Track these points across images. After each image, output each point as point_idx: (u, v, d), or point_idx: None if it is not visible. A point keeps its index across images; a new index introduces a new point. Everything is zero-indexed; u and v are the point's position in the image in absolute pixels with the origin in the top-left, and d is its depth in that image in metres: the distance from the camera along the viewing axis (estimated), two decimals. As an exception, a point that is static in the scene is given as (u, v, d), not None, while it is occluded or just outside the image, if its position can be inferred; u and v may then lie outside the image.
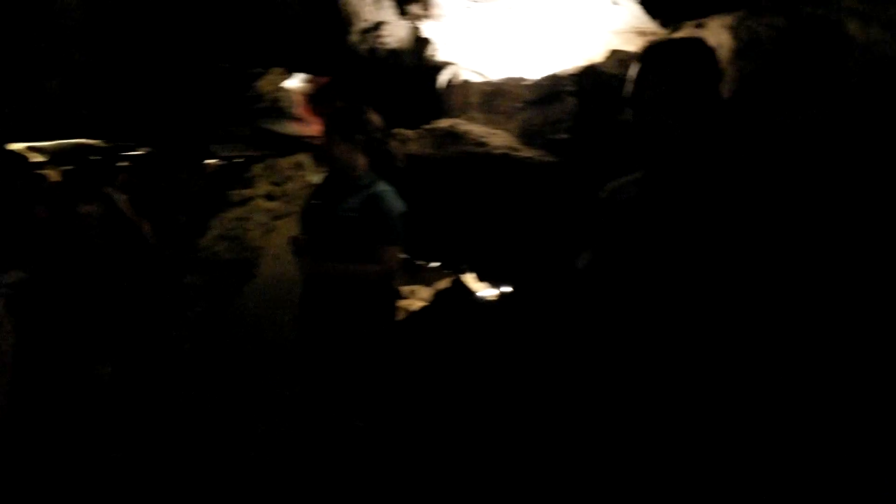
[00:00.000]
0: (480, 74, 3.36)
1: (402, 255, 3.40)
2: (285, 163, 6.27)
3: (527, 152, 2.82)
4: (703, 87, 1.56)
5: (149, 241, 5.07)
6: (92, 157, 8.21)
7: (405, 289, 4.50)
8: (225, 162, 7.46)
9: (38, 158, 7.88)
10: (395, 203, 2.66)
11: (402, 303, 4.42)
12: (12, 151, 4.97)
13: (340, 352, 2.69)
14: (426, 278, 4.50)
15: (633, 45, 2.89)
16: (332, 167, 2.74)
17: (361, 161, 2.72)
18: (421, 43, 3.60)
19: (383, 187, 2.68)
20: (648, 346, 1.55)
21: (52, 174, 7.51)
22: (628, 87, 1.62)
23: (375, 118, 2.68)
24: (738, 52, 2.58)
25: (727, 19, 2.59)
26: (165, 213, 5.74)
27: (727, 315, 1.47)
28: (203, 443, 3.21)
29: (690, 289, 1.50)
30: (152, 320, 4.50)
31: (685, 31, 2.70)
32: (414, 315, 3.84)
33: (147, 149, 7.41)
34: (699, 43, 1.66)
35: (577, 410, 1.87)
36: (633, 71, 1.61)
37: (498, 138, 2.91)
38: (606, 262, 1.68)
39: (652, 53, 1.63)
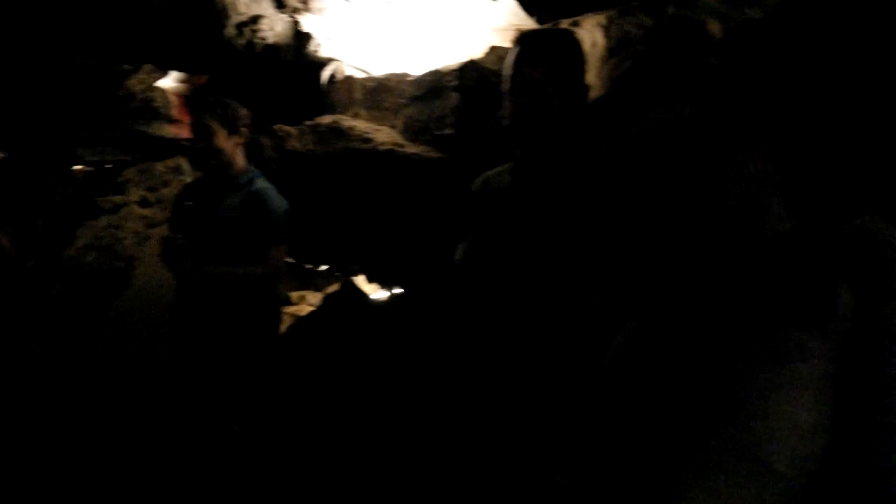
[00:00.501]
0: (363, 70, 3.29)
1: (289, 258, 3.29)
2: (161, 167, 5.91)
3: (412, 148, 2.77)
4: (570, 78, 1.57)
5: (7, 252, 4.60)
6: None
7: (294, 295, 4.34)
8: (93, 167, 6.95)
9: None
10: (279, 201, 2.56)
11: (291, 309, 4.26)
12: None
13: (220, 359, 2.55)
14: (316, 283, 4.37)
15: (512, 42, 2.93)
16: (209, 165, 2.59)
17: (241, 158, 2.62)
18: (301, 38, 3.48)
19: (264, 184, 2.58)
20: (522, 337, 1.52)
21: None
22: (505, 78, 1.61)
23: (246, 112, 2.59)
24: (611, 51, 2.67)
25: (600, 18, 2.67)
26: (27, 222, 5.22)
27: (592, 304, 1.47)
28: (66, 455, 2.93)
29: (557, 278, 1.49)
30: (13, 334, 4.09)
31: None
32: (302, 320, 3.70)
33: (5, 153, 6.77)
34: (567, 35, 1.68)
35: (465, 409, 1.83)
36: (508, 59, 1.61)
37: (383, 134, 2.85)
38: (481, 253, 1.66)
39: (525, 42, 1.62)
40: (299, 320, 3.72)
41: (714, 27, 2.49)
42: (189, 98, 6.41)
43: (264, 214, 2.52)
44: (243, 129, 2.58)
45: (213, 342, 2.55)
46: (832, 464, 0.73)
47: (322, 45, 3.41)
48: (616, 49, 2.65)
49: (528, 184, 1.60)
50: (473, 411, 1.61)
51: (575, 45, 1.61)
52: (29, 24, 3.82)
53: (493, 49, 2.73)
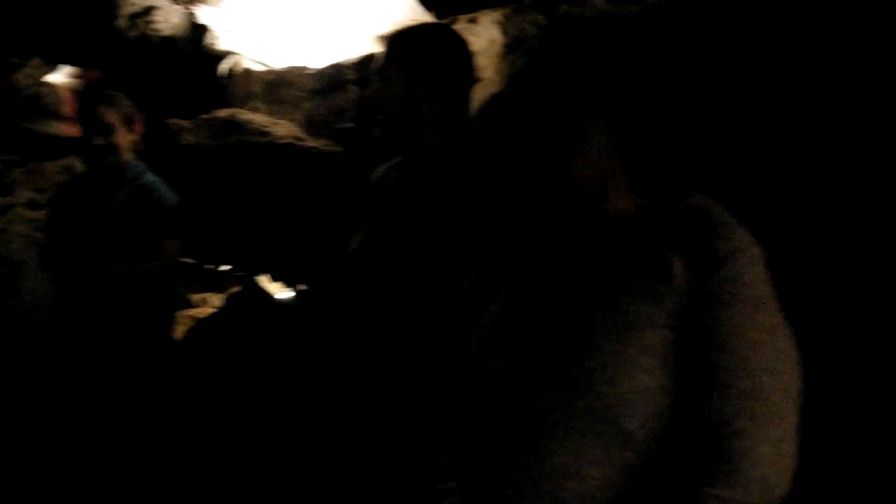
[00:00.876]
0: (263, 63, 3.21)
1: (188, 258, 3.17)
2: (52, 167, 5.56)
3: (312, 142, 2.73)
4: (452, 74, 1.56)
5: None
6: None
7: (195, 297, 4.18)
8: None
9: None
10: (168, 194, 2.52)
11: (193, 311, 4.10)
12: None
13: (111, 364, 2.44)
14: (218, 284, 4.22)
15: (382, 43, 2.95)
16: (105, 162, 2.50)
17: (129, 153, 2.55)
18: (198, 30, 3.37)
19: (152, 178, 2.53)
20: (399, 325, 1.52)
21: None
22: (374, 80, 1.59)
23: (131, 103, 2.54)
24: (508, 47, 2.72)
25: (497, 15, 2.72)
26: None
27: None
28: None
29: (431, 266, 1.49)
30: None
31: (459, 25, 2.79)
32: (204, 322, 3.57)
33: None
34: (447, 30, 1.67)
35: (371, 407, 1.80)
36: (377, 60, 1.58)
37: (282, 128, 2.79)
38: (371, 245, 1.65)
39: (394, 43, 1.60)
40: (200, 322, 3.58)
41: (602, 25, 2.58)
42: (82, 94, 6.08)
43: (155, 208, 2.46)
44: (137, 126, 2.55)
45: (103, 348, 2.45)
46: (675, 420, 0.79)
47: (220, 38, 3.30)
48: (513, 46, 2.70)
49: (412, 178, 1.60)
50: (361, 404, 1.60)
51: (455, 42, 1.60)
52: None
53: (393, 43, 2.72)
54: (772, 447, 0.74)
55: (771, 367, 0.76)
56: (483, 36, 2.75)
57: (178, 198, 2.50)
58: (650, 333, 0.79)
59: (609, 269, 0.86)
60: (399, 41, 1.59)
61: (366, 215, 1.76)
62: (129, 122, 2.52)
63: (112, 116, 2.46)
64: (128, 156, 2.53)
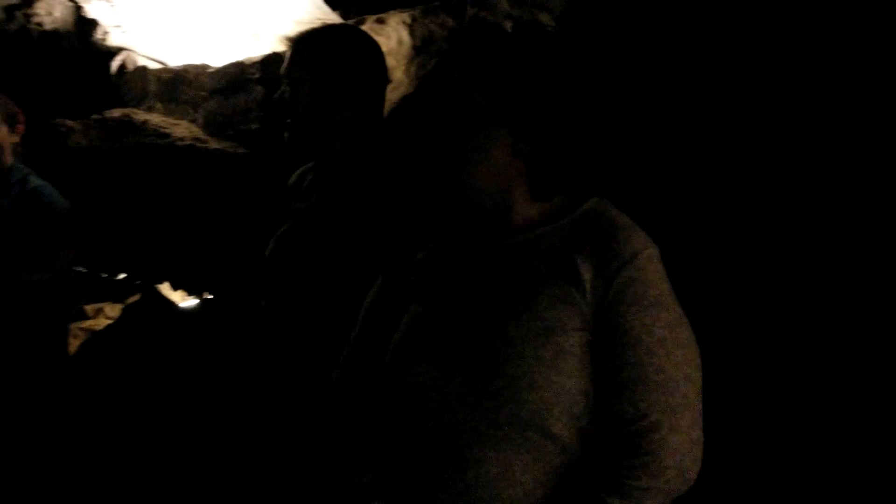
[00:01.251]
0: (159, 61, 3.04)
1: (80, 266, 2.97)
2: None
3: (215, 144, 2.60)
4: (361, 77, 1.53)
5: None
6: None
7: (90, 308, 3.90)
8: None
9: None
10: (58, 199, 2.36)
11: (87, 323, 3.83)
12: None
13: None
14: (114, 294, 3.96)
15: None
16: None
17: (10, 155, 2.37)
18: (85, 25, 3.14)
19: (39, 182, 2.35)
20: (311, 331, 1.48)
21: None
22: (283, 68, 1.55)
23: (12, 105, 2.37)
24: (417, 49, 2.71)
25: (405, 16, 2.69)
26: None
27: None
28: None
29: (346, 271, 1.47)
30: None
31: (367, 26, 2.75)
32: (99, 334, 3.34)
33: None
34: (355, 31, 1.64)
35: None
36: (286, 59, 1.54)
37: (182, 129, 2.65)
38: (288, 251, 1.61)
39: (306, 42, 1.56)
40: (95, 335, 3.35)
41: (510, 29, 2.61)
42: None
43: (44, 213, 2.30)
44: (20, 126, 2.40)
45: None
46: (597, 418, 0.82)
47: (111, 34, 3.10)
48: (421, 47, 2.68)
49: (324, 183, 1.56)
50: (272, 420, 1.54)
51: (364, 44, 1.57)
52: None
53: (299, 42, 2.64)
54: (685, 436, 0.78)
55: (678, 361, 0.79)
56: (392, 37, 2.72)
57: (69, 203, 2.33)
58: (567, 337, 0.80)
59: (520, 275, 0.87)
60: (305, 43, 1.55)
61: (280, 219, 1.70)
62: (10, 122, 2.37)
63: None
64: (10, 159, 2.37)
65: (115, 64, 3.07)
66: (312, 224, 1.53)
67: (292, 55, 1.55)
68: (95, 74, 3.13)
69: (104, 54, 3.13)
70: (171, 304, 3.39)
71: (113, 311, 3.86)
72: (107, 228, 2.94)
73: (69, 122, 2.67)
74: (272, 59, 2.54)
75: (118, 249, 3.14)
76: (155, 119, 2.64)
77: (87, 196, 2.63)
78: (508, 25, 2.62)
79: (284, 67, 1.57)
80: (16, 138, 2.39)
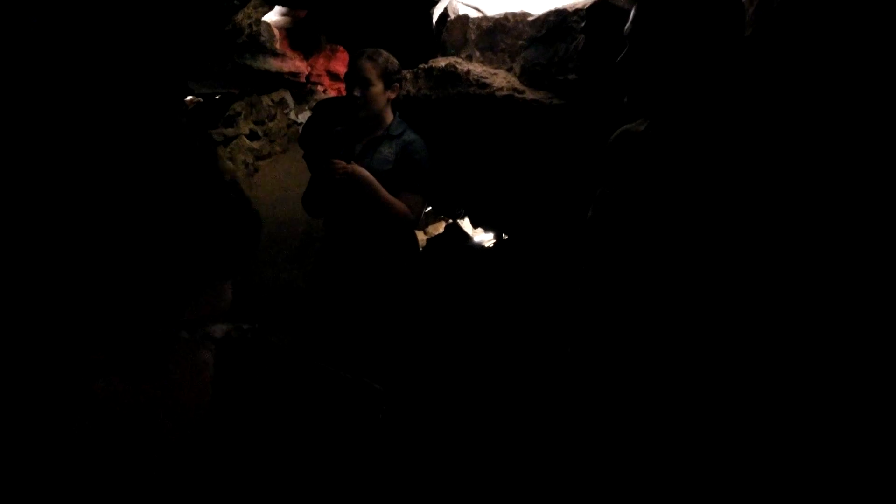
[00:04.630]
0: (478, 9, 3.01)
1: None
2: (267, 100, 5.86)
3: (532, 94, 2.52)
4: (716, 38, 1.33)
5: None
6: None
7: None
8: (202, 99, 6.97)
9: None
10: (425, 153, 2.53)
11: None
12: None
13: (361, 297, 2.55)
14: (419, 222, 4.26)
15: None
16: (358, 115, 2.53)
17: (390, 109, 2.58)
18: (412, -27, 3.22)
19: (413, 136, 2.53)
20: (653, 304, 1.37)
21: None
22: (627, 29, 1.41)
23: (396, 60, 2.51)
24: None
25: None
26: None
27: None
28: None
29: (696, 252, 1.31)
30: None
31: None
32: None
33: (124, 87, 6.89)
34: None
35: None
36: (631, 15, 1.40)
37: (500, 79, 2.60)
38: (611, 212, 1.50)
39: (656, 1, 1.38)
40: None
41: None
42: (291, 31, 6.25)
43: (413, 165, 2.52)
44: (396, 85, 2.55)
45: (355, 281, 2.56)
46: None
47: (433, -19, 3.14)
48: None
49: (664, 144, 1.41)
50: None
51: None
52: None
53: (625, -14, 2.40)
54: None
55: None
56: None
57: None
58: None
59: None
60: (654, 2, 1.38)
61: (602, 179, 1.60)
62: (387, 79, 2.51)
63: (370, 72, 2.48)
64: (389, 113, 2.55)
65: (436, 11, 3.12)
66: (654, 188, 1.41)
67: (638, 14, 1.41)
68: (418, 22, 3.21)
69: (426, 2, 3.19)
70: (468, 238, 3.53)
71: (417, 236, 4.19)
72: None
73: (402, 71, 2.77)
74: (598, 7, 2.34)
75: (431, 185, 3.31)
76: (477, 69, 2.62)
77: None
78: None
79: (629, 27, 1.43)
80: (391, 94, 2.54)
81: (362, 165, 2.46)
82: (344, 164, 2.36)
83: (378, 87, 2.49)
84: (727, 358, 1.28)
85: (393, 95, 2.53)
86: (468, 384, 2.67)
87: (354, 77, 2.50)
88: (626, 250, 1.45)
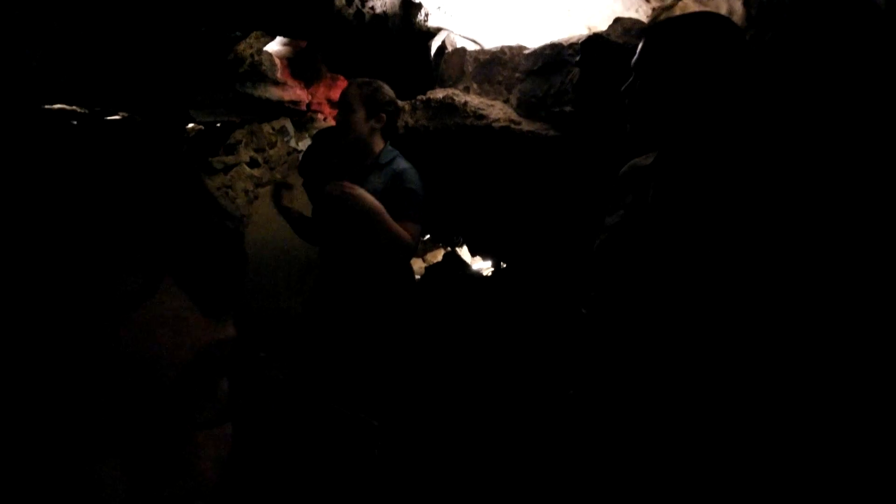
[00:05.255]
0: (475, 42, 3.05)
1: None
2: (268, 128, 5.91)
3: (528, 126, 2.55)
4: (719, 57, 1.35)
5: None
6: (71, 122, 7.71)
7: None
8: (203, 127, 7.03)
9: (14, 124, 7.38)
10: (418, 182, 2.45)
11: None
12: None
13: (358, 326, 2.50)
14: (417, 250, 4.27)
15: (638, 12, 2.62)
16: (341, 141, 2.51)
17: (380, 138, 2.51)
18: (409, 7, 3.26)
19: (405, 165, 2.48)
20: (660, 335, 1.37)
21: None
22: (634, 60, 1.43)
23: (392, 93, 2.47)
24: (751, 20, 2.34)
25: (740, -16, 2.33)
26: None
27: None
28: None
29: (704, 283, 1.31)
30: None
31: (694, -3, 2.43)
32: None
33: (125, 114, 6.96)
34: (714, 20, 1.42)
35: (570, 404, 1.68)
36: (639, 46, 1.42)
37: (497, 110, 2.63)
38: (620, 245, 1.50)
39: (663, 33, 1.41)
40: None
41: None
42: (293, 61, 6.33)
43: (405, 193, 2.42)
44: (382, 115, 2.47)
45: (351, 312, 2.51)
46: None
47: (431, 15, 3.18)
48: (757, 17, 2.31)
49: (673, 178, 1.42)
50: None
51: (727, 24, 1.38)
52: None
53: (618, 21, 2.42)
54: None
55: None
56: (721, 7, 2.38)
57: (423, 185, 2.46)
58: None
59: None
60: (661, 35, 1.40)
61: (612, 211, 1.60)
62: (370, 106, 2.46)
63: (353, 97, 2.45)
64: (377, 141, 2.49)
65: (434, 44, 3.16)
66: (651, 221, 1.41)
67: (646, 46, 1.42)
68: (416, 54, 3.26)
69: (425, 35, 3.23)
70: (466, 266, 3.53)
71: (415, 264, 4.18)
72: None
73: (399, 102, 2.80)
74: (592, 41, 2.37)
75: (428, 214, 3.32)
76: (474, 100, 2.65)
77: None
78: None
79: (636, 59, 1.45)
80: (375, 124, 2.45)
81: None
82: (347, 183, 2.32)
83: (360, 114, 2.42)
84: (733, 392, 1.27)
85: (378, 125, 2.46)
86: (466, 419, 2.64)
87: (339, 102, 2.50)
88: (635, 279, 1.45)
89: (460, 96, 2.63)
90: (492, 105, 2.62)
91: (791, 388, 1.27)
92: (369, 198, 2.33)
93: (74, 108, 6.53)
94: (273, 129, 5.85)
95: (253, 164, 5.64)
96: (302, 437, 1.89)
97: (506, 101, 2.68)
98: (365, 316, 2.49)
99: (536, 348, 2.72)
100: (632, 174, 1.59)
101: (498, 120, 2.56)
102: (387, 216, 2.34)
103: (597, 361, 1.53)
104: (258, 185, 5.62)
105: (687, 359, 1.33)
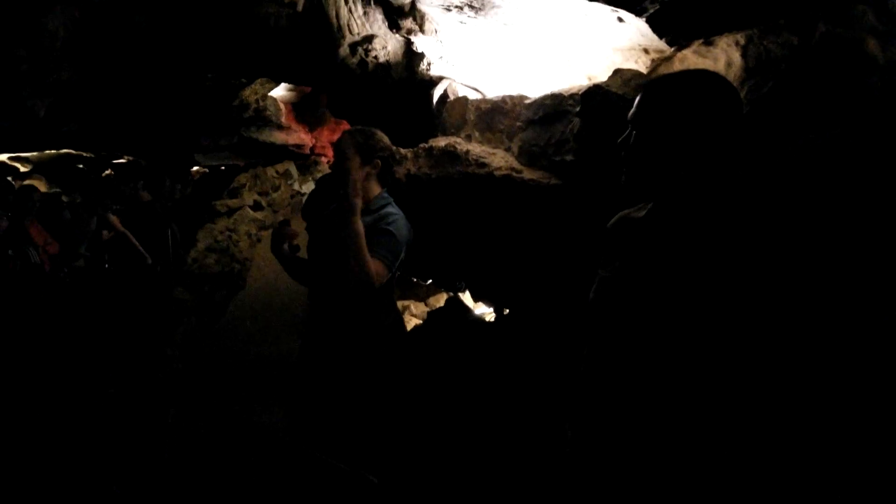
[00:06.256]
0: (477, 91, 3.09)
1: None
2: (272, 171, 5.97)
3: (529, 174, 2.56)
4: (714, 115, 1.36)
5: (144, 257, 4.70)
6: (78, 166, 7.79)
7: (398, 304, 4.24)
8: (208, 170, 7.09)
9: (23, 168, 7.45)
10: (401, 228, 2.38)
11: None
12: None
13: (344, 372, 2.45)
14: (420, 294, 4.24)
15: (637, 63, 2.66)
16: (338, 190, 2.50)
17: (375, 184, 2.48)
18: (412, 56, 3.32)
19: (393, 210, 2.45)
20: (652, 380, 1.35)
21: (39, 184, 7.10)
22: (631, 113, 1.44)
23: (387, 140, 2.46)
24: (749, 72, 2.37)
25: (738, 37, 2.36)
26: (154, 225, 5.36)
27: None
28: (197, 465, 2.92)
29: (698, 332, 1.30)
30: (145, 338, 4.20)
31: (692, 49, 2.47)
32: (409, 332, 3.59)
33: (130, 157, 7.03)
34: (710, 78, 1.44)
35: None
36: (636, 100, 1.43)
37: (498, 158, 2.65)
38: (612, 295, 1.49)
39: (660, 89, 1.42)
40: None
41: (872, 46, 2.14)
42: (297, 106, 6.42)
43: (381, 233, 2.33)
44: (377, 161, 2.44)
45: (335, 355, 2.46)
46: None
47: (434, 64, 3.23)
48: (755, 69, 2.34)
49: (667, 229, 1.41)
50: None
51: (721, 83, 1.39)
52: (162, 45, 3.85)
53: (618, 72, 2.46)
54: None
55: None
56: (720, 59, 2.41)
57: (411, 235, 2.40)
58: None
59: None
60: (658, 90, 1.41)
61: (602, 263, 1.59)
62: (364, 153, 2.42)
63: (347, 145, 2.45)
64: (376, 188, 2.46)
65: (436, 92, 3.20)
66: (639, 274, 1.40)
67: (643, 101, 1.43)
68: (419, 102, 3.30)
69: (427, 83, 3.28)
70: (468, 312, 3.51)
71: (417, 308, 4.16)
72: (421, 241, 3.11)
73: (402, 150, 2.82)
74: (593, 92, 2.39)
75: (429, 258, 3.32)
76: (476, 149, 2.67)
77: (412, 213, 2.78)
78: (872, 44, 2.17)
79: (632, 113, 1.46)
80: (370, 170, 2.41)
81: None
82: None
83: (354, 161, 2.38)
84: (723, 447, 1.26)
85: (374, 171, 2.41)
86: (464, 469, 2.59)
87: (334, 150, 2.50)
88: (626, 335, 1.44)
89: (462, 144, 2.65)
90: (493, 153, 2.64)
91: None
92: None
93: (81, 152, 6.61)
94: (277, 172, 5.91)
95: (256, 207, 5.68)
96: (300, 495, 1.84)
97: (507, 150, 2.70)
98: (350, 361, 2.43)
99: (538, 395, 2.67)
100: (622, 226, 1.58)
101: (499, 168, 2.57)
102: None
103: (592, 418, 1.50)
104: (261, 227, 5.64)
105: (684, 417, 1.31)
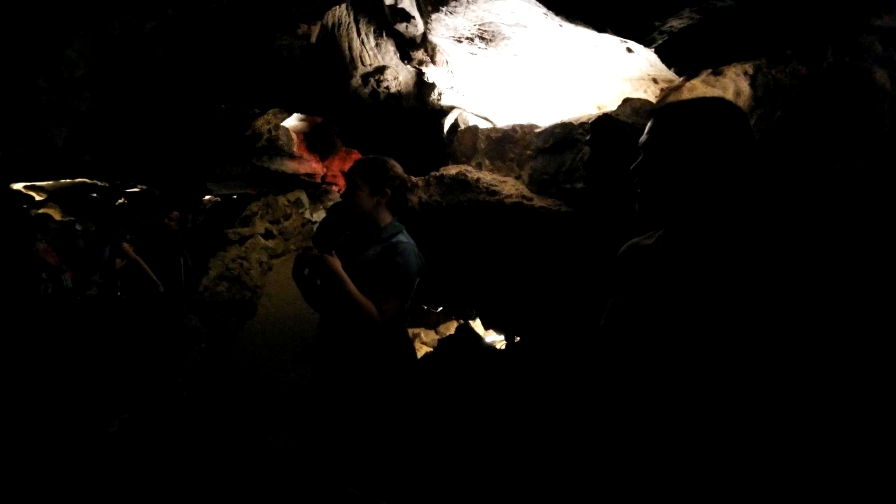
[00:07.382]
0: (488, 120, 3.13)
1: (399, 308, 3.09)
2: (283, 200, 6.03)
3: (539, 202, 2.58)
4: (726, 141, 1.37)
5: (156, 284, 4.73)
6: (92, 195, 7.91)
7: (408, 332, 4.24)
8: (220, 199, 7.17)
9: (38, 197, 7.58)
10: (412, 258, 2.39)
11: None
12: (14, 191, 4.70)
13: (350, 398, 2.44)
14: (430, 321, 4.24)
15: (646, 93, 2.69)
16: (354, 217, 2.53)
17: (386, 213, 2.51)
18: (424, 87, 3.38)
19: (403, 239, 2.46)
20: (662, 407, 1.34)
21: (54, 213, 7.20)
22: (642, 140, 1.45)
23: (399, 169, 2.49)
24: (758, 101, 2.39)
25: (746, 67, 2.39)
26: (166, 253, 5.40)
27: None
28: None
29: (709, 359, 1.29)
30: (156, 366, 4.21)
31: (701, 79, 2.50)
32: (419, 361, 3.58)
33: (144, 186, 7.12)
34: (720, 105, 1.46)
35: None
36: (647, 126, 1.44)
37: (509, 186, 2.67)
38: (626, 321, 1.49)
39: (670, 115, 1.44)
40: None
41: (881, 76, 2.17)
42: (309, 135, 6.51)
43: (391, 266, 2.35)
44: (387, 190, 2.46)
45: (342, 382, 2.46)
46: None
47: (444, 94, 3.28)
48: (763, 98, 2.36)
49: (680, 257, 1.42)
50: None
51: (731, 109, 1.41)
52: (177, 76, 3.93)
53: (627, 101, 2.49)
54: None
55: None
56: (728, 89, 2.44)
57: (422, 263, 2.41)
58: None
59: None
60: (669, 117, 1.42)
61: (613, 290, 1.59)
62: (374, 182, 2.46)
63: (357, 175, 2.47)
64: (384, 216, 2.48)
65: (447, 122, 3.25)
66: (651, 301, 1.40)
67: (654, 127, 1.44)
68: (430, 131, 3.34)
69: (438, 112, 3.33)
70: (479, 339, 3.50)
71: (427, 336, 4.15)
72: (435, 267, 3.13)
73: (413, 178, 2.85)
74: (602, 121, 2.43)
75: (440, 286, 3.32)
76: (486, 177, 2.70)
77: (423, 241, 2.80)
78: (879, 73, 2.19)
79: (644, 140, 1.47)
80: (382, 198, 2.44)
81: (346, 263, 2.42)
82: (318, 252, 2.31)
83: (364, 190, 2.42)
84: (737, 476, 1.25)
85: (384, 199, 2.44)
86: (475, 496, 2.56)
87: (345, 179, 2.54)
88: (639, 362, 1.43)
89: (473, 173, 2.68)
90: (504, 181, 2.67)
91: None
92: (335, 268, 2.29)
93: (95, 181, 6.72)
94: (288, 201, 5.98)
95: (268, 235, 5.73)
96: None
97: (518, 178, 2.72)
98: (359, 388, 2.43)
99: (549, 423, 2.65)
100: (632, 254, 1.59)
101: (510, 196, 2.60)
102: (350, 289, 2.30)
103: (606, 446, 1.49)
104: (273, 255, 5.68)
105: (700, 445, 1.31)
